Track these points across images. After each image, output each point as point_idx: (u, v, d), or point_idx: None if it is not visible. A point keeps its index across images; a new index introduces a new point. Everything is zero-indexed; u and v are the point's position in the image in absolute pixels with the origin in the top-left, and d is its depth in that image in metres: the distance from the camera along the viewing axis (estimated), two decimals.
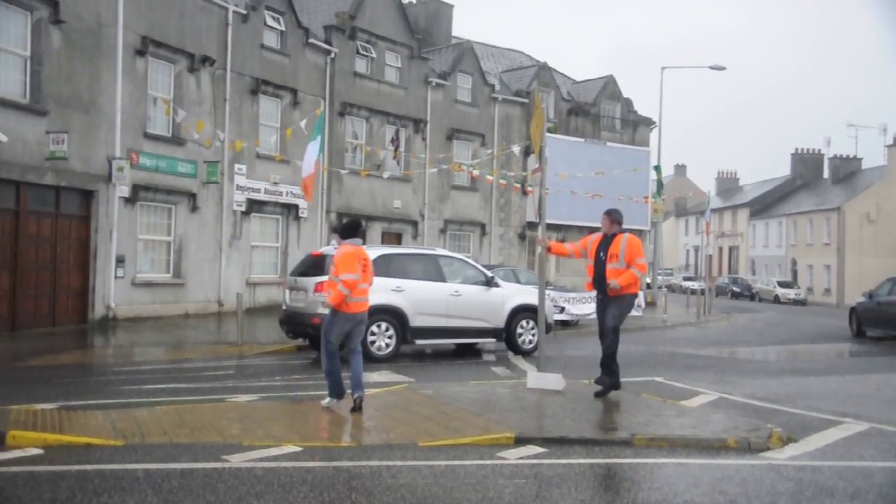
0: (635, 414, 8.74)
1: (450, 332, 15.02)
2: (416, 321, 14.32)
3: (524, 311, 15.30)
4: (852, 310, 23.15)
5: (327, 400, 8.90)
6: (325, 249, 15.62)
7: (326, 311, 12.70)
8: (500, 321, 15.32)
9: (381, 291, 13.51)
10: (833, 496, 5.97)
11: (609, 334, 9.59)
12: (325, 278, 13.41)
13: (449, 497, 5.74)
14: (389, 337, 14.11)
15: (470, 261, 16.78)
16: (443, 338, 15.18)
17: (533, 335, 15.38)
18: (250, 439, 7.36)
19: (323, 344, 8.93)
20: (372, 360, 13.56)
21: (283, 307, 15.07)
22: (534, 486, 6.11)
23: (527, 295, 15.47)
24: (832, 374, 14.11)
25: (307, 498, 5.68)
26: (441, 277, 14.86)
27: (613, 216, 9.97)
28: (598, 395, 9.66)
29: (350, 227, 9.18)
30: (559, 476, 6.43)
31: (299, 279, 14.40)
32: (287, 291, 14.81)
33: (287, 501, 5.60)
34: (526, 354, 15.24)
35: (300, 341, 15.32)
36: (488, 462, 6.78)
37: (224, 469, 6.38)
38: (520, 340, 15.37)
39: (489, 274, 15.77)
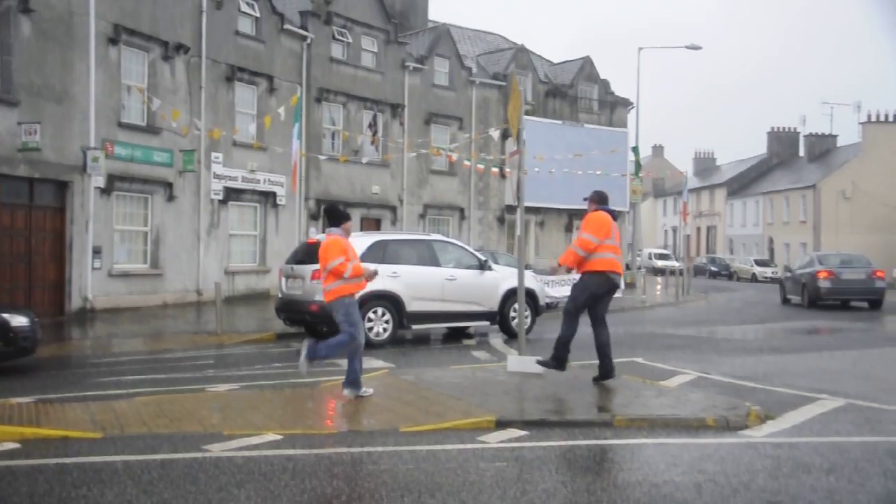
0: (615, 395, 8.79)
1: (445, 317, 15.13)
2: (412, 306, 14.40)
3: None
4: (780, 281, 28.94)
5: (359, 390, 8.75)
6: (320, 237, 15.53)
7: (322, 297, 12.90)
8: (493, 304, 15.42)
9: (378, 277, 13.54)
10: (810, 472, 6.04)
11: (565, 315, 9.56)
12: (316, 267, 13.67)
13: (430, 481, 5.75)
14: (386, 322, 14.22)
15: (463, 245, 16.86)
16: (438, 322, 15.29)
17: (526, 318, 15.26)
18: (231, 428, 7.33)
19: (350, 338, 8.68)
20: (370, 346, 13.42)
21: (279, 295, 15.04)
22: (515, 469, 6.14)
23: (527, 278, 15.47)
24: (809, 351, 14.27)
25: (288, 486, 5.67)
26: (436, 262, 14.95)
27: (592, 197, 9.89)
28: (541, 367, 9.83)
29: (329, 213, 9.00)
30: (540, 458, 6.46)
31: (296, 267, 14.40)
32: (283, 279, 14.82)
33: (268, 490, 5.58)
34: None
35: (289, 329, 15.34)
36: (469, 446, 6.80)
37: (204, 459, 6.36)
38: (513, 323, 15.21)
39: (483, 258, 15.88)
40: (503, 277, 15.54)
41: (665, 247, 72.70)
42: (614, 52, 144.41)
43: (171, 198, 22.17)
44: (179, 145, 22.30)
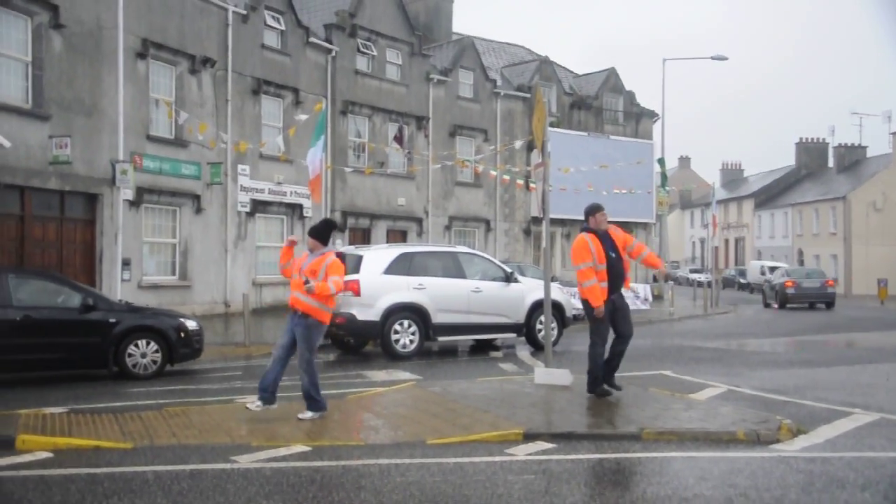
0: (643, 408, 8.73)
1: (471, 329, 15.19)
2: (438, 318, 14.52)
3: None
4: (762, 289, 36.10)
5: (309, 414, 8.39)
6: (346, 249, 15.86)
7: (352, 310, 12.90)
8: (520, 316, 15.42)
9: (404, 289, 14.21)
10: (844, 487, 5.96)
11: (630, 336, 9.17)
12: (348, 278, 13.55)
13: (458, 494, 5.75)
14: (413, 334, 14.37)
15: (489, 257, 16.92)
16: (464, 334, 15.34)
17: (553, 330, 15.39)
18: (259, 440, 7.39)
19: (306, 360, 8.38)
20: (397, 358, 13.95)
21: None
22: (543, 482, 6.11)
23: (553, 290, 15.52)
24: (841, 364, 14.08)
25: (316, 497, 5.69)
26: (462, 274, 15.06)
27: (604, 210, 9.28)
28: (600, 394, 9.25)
29: (327, 229, 8.76)
30: (568, 471, 6.43)
31: None
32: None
33: (296, 501, 5.61)
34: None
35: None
36: (497, 458, 6.78)
37: (233, 470, 6.40)
38: (540, 335, 15.07)
39: (508, 269, 15.93)
40: (529, 289, 15.52)
41: (693, 259, 72.18)
42: (639, 64, 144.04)
43: (198, 210, 22.40)
44: (207, 158, 22.53)
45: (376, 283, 14.17)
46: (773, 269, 44.94)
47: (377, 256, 14.64)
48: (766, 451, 7.16)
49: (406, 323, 14.27)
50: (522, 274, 20.00)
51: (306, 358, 8.40)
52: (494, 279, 15.41)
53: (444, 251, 15.87)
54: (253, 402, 8.44)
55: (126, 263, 19.98)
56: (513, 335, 15.84)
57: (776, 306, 33.03)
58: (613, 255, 9.10)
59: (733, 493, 5.79)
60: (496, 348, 16.02)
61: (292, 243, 8.90)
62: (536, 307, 15.22)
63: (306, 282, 8.21)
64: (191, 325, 12.56)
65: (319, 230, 8.75)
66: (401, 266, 14.29)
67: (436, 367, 13.31)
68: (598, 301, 8.96)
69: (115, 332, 11.73)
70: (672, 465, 6.75)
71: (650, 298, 27.10)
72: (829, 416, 8.72)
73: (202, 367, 13.23)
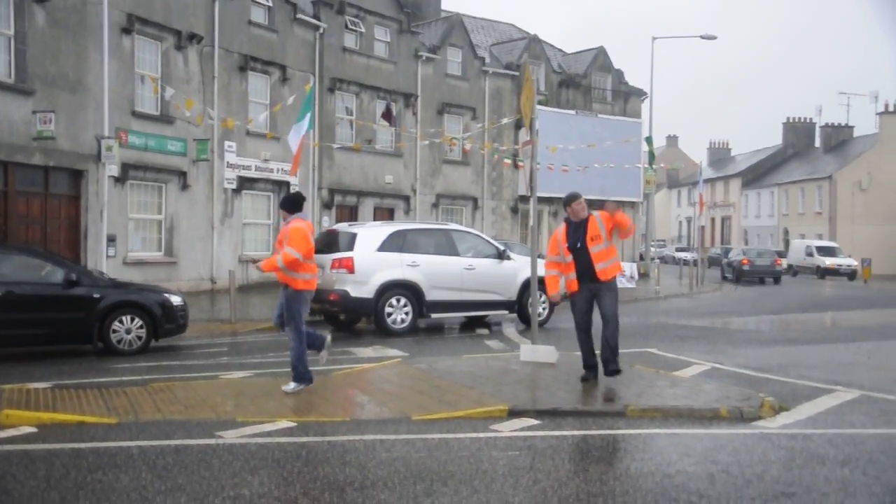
0: (628, 385, 8.77)
1: (464, 306, 15.28)
2: (431, 295, 14.64)
3: None
4: (721, 265, 40.51)
5: (293, 385, 8.46)
6: (339, 226, 15.98)
7: (345, 287, 13.33)
8: (512, 293, 15.53)
9: (397, 266, 14.33)
10: (824, 463, 6.01)
11: (612, 321, 8.76)
12: (342, 255, 14.09)
13: (443, 470, 5.77)
14: (406, 311, 14.48)
15: (482, 235, 16.96)
16: (457, 311, 15.45)
17: (544, 307, 15.66)
18: (244, 415, 7.38)
19: (291, 329, 8.44)
20: (390, 335, 14.10)
21: None
22: (527, 458, 6.14)
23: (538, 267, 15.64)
24: (824, 342, 14.20)
25: (301, 472, 5.70)
26: (455, 251, 15.16)
27: (580, 199, 8.97)
28: (584, 379, 9.00)
29: (295, 202, 8.69)
30: (552, 448, 6.47)
31: (317, 256, 14.50)
32: None
33: (281, 476, 5.62)
34: (538, 326, 15.25)
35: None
36: (482, 435, 6.81)
37: (218, 445, 6.41)
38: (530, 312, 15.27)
39: (501, 247, 16.01)
40: (521, 267, 15.57)
41: (679, 238, 72.41)
42: (627, 42, 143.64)
43: (184, 186, 22.26)
44: (193, 134, 22.35)
45: (370, 260, 14.19)
46: (822, 249, 44.34)
47: (371, 234, 14.64)
48: (748, 427, 7.22)
49: (400, 300, 14.36)
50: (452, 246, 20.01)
51: (290, 327, 8.49)
52: (487, 256, 15.49)
53: (437, 228, 15.96)
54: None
55: (111, 240, 19.85)
56: (505, 312, 15.92)
57: (732, 279, 37.29)
58: (579, 245, 8.80)
59: (715, 469, 5.83)
60: (485, 326, 16.04)
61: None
62: (528, 284, 15.05)
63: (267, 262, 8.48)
64: (175, 300, 12.53)
65: (286, 199, 8.85)
66: (394, 243, 14.40)
67: (423, 345, 13.32)
68: (552, 290, 9.12)
69: (99, 308, 11.67)
70: (656, 441, 6.79)
71: (636, 276, 27.18)
72: (811, 394, 8.80)
73: (187, 344, 13.20)
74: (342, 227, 15.65)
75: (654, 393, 8.40)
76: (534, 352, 10.39)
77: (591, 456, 6.39)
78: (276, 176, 25.33)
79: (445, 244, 15.16)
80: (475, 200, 33.55)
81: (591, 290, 8.86)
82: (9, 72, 17.47)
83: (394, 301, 14.32)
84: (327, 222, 25.70)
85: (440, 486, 5.38)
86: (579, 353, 9.39)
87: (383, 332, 14.31)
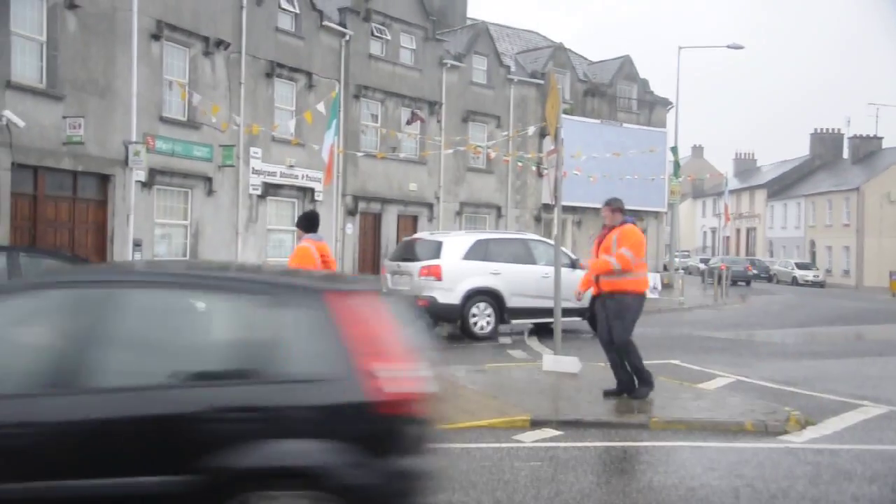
0: (651, 397, 8.71)
1: (540, 312, 15.70)
2: (511, 302, 15.39)
3: None
4: (701, 272, 44.49)
5: None
6: (422, 235, 17.02)
7: (433, 293, 14.05)
8: (584, 301, 15.59)
9: (481, 274, 15.26)
10: (851, 480, 5.94)
11: (619, 342, 8.53)
12: (430, 262, 15.06)
13: (465, 479, 5.76)
14: (489, 317, 15.26)
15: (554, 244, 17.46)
16: (535, 317, 16.08)
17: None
18: None
19: None
20: (475, 339, 15.08)
21: (384, 290, 15.70)
22: (549, 469, 6.13)
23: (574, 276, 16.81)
24: (850, 356, 14.03)
25: None
26: (532, 260, 15.95)
27: (614, 204, 8.88)
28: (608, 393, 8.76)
29: (310, 220, 8.78)
30: (575, 459, 6.44)
31: (402, 264, 15.65)
32: (388, 276, 15.99)
33: None
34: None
35: None
36: (504, 445, 6.81)
37: None
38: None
39: (573, 256, 16.72)
40: None
41: (703, 249, 71.86)
42: (653, 52, 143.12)
43: (210, 192, 22.43)
44: (219, 140, 22.52)
45: (456, 267, 15.00)
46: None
47: (456, 242, 15.59)
48: (773, 441, 7.15)
49: (483, 306, 15.19)
50: (530, 254, 20.57)
51: None
52: (563, 265, 15.71)
53: (517, 238, 16.96)
54: None
55: (137, 244, 20.05)
56: (577, 319, 16.38)
57: (711, 283, 38.70)
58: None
59: (740, 483, 5.78)
60: (500, 335, 16.06)
61: None
62: None
63: None
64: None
65: (301, 219, 9.12)
66: (478, 252, 15.31)
67: (445, 353, 13.30)
68: (582, 288, 9.44)
69: None
70: (679, 454, 6.75)
71: (659, 287, 27.02)
72: (838, 409, 8.70)
73: None
74: (425, 235, 16.73)
75: (677, 405, 8.35)
76: (557, 362, 10.37)
77: (613, 468, 6.36)
78: (301, 182, 25.47)
79: (523, 253, 15.99)
80: (499, 209, 33.52)
81: (602, 301, 8.80)
82: (40, 77, 17.72)
83: (478, 307, 15.17)
84: (350, 229, 25.80)
85: (461, 496, 5.38)
86: (603, 364, 9.36)
87: (469, 336, 15.16)
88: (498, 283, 15.22)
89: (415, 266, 15.01)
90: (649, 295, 24.00)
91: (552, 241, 17.42)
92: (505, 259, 15.59)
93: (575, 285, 14.98)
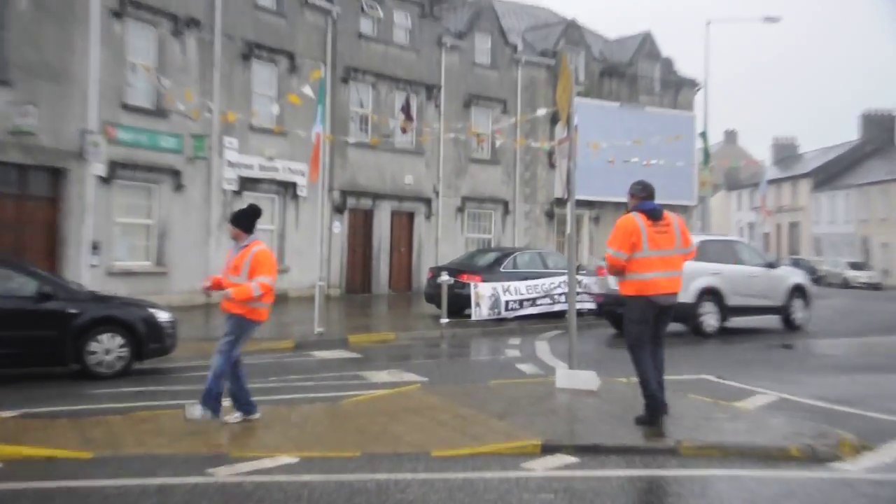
0: (681, 418, 8.59)
1: (749, 311, 18.72)
2: (730, 301, 17.92)
3: (798, 290, 19.56)
4: None
5: (238, 415, 8.46)
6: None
7: (616, 289, 14.57)
8: (781, 299, 19.12)
9: (706, 274, 17.59)
10: None
11: (629, 350, 8.50)
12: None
13: None
14: (714, 317, 17.74)
15: (753, 246, 20.89)
16: (746, 315, 18.86)
17: (803, 313, 19.54)
18: (239, 449, 7.34)
19: (226, 361, 8.34)
20: (704, 337, 17.41)
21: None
22: (564, 502, 6.04)
23: (799, 276, 20.26)
24: None
25: None
26: (741, 260, 18.64)
27: (631, 189, 8.75)
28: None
29: (252, 216, 8.63)
30: (593, 490, 6.35)
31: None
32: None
33: None
34: (796, 329, 19.12)
35: (309, 336, 15.96)
36: (512, 474, 6.72)
37: (209, 484, 6.35)
38: (797, 316, 19.38)
39: (770, 258, 19.56)
40: (787, 275, 19.68)
41: None
42: (677, 28, 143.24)
43: (178, 187, 22.35)
44: (189, 130, 22.45)
45: (690, 268, 16.81)
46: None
47: None
48: (824, 470, 7.03)
49: (709, 305, 17.64)
50: (543, 262, 21.57)
51: (224, 348, 8.31)
52: (761, 266, 19.04)
53: (728, 240, 20.39)
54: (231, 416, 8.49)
55: (95, 247, 19.94)
56: (776, 317, 19.33)
57: None
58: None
59: None
60: (507, 348, 15.99)
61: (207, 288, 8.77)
62: (794, 291, 19.34)
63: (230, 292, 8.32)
64: (162, 316, 12.51)
65: (241, 217, 8.68)
66: (700, 253, 16.92)
67: (444, 368, 13.26)
68: None
69: (75, 325, 11.62)
70: (714, 485, 6.64)
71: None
72: None
73: (177, 366, 13.16)
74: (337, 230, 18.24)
75: (711, 427, 8.25)
76: (572, 377, 10.23)
77: (637, 501, 6.27)
78: (282, 176, 25.38)
79: (732, 254, 18.56)
80: (506, 204, 33.45)
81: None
82: None
83: (705, 307, 17.55)
84: (338, 228, 25.67)
85: None
86: (625, 379, 9.19)
87: (700, 335, 17.47)
88: (719, 283, 17.68)
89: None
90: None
91: (750, 244, 20.01)
92: (719, 260, 17.98)
93: (774, 284, 18.94)
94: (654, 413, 8.32)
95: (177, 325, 12.83)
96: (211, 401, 8.31)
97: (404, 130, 28.88)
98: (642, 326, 8.47)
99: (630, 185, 8.85)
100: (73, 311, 11.70)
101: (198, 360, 13.82)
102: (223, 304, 8.43)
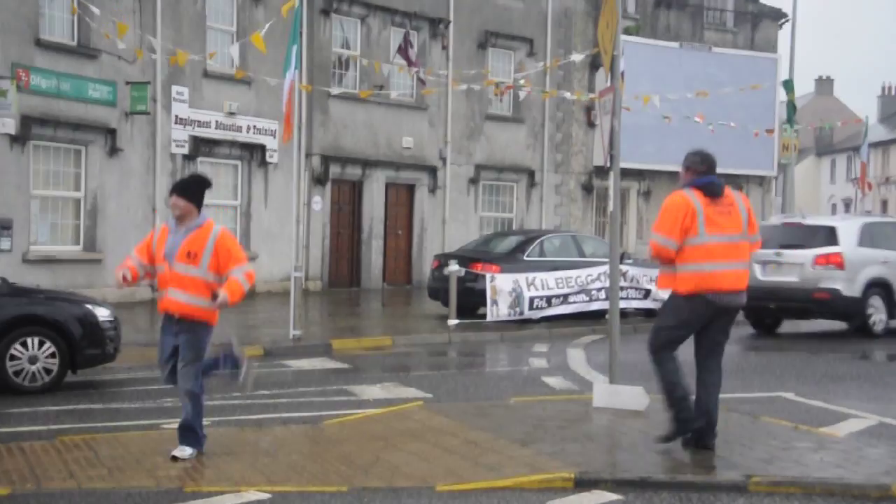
0: (751, 446, 8.71)
1: None
2: None
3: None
4: None
5: (189, 451, 8.25)
6: (795, 217, 21.29)
7: (836, 285, 17.98)
8: None
9: (873, 264, 18.85)
10: None
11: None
12: (827, 250, 18.58)
13: None
14: (882, 312, 18.83)
15: None
16: None
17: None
18: (196, 483, 7.45)
19: (197, 373, 8.31)
20: (872, 337, 18.62)
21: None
22: None
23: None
24: None
25: None
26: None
27: (686, 161, 8.81)
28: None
29: (204, 187, 8.65)
30: None
31: (785, 252, 18.79)
32: (760, 266, 18.55)
33: None
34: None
35: (283, 342, 16.17)
36: None
37: None
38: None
39: None
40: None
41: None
42: None
43: (113, 151, 22.40)
44: (126, 75, 22.50)
45: (855, 256, 18.69)
46: None
47: (848, 226, 19.46)
48: None
49: (876, 300, 18.72)
50: (578, 248, 21.20)
51: (191, 370, 8.20)
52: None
53: (890, 222, 21.43)
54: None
55: (6, 227, 20.04)
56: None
57: None
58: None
59: None
60: (531, 357, 16.06)
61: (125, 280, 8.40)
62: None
63: (214, 296, 8.07)
64: (102, 314, 12.54)
65: (194, 186, 8.57)
66: (865, 238, 18.91)
67: (452, 381, 13.34)
68: None
69: None
70: None
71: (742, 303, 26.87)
72: None
73: (116, 378, 13.30)
74: (793, 218, 20.99)
75: (790, 458, 8.33)
76: (613, 394, 10.33)
77: None
78: (246, 136, 25.42)
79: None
80: (531, 174, 33.38)
81: None
82: None
83: (873, 302, 18.70)
84: (319, 204, 25.77)
85: None
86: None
87: (868, 335, 18.58)
88: (888, 274, 18.84)
89: (806, 254, 18.60)
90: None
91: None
92: (887, 246, 19.15)
93: None
94: (684, 425, 8.46)
95: (119, 326, 12.88)
96: (192, 435, 8.30)
97: (408, 61, 28.70)
98: (681, 333, 8.61)
99: (685, 156, 8.87)
100: None
101: (143, 370, 13.97)
102: (176, 306, 8.17)
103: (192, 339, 8.19)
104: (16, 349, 11.82)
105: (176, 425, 8.65)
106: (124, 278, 8.29)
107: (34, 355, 11.87)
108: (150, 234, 8.63)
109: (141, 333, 17.47)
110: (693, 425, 8.50)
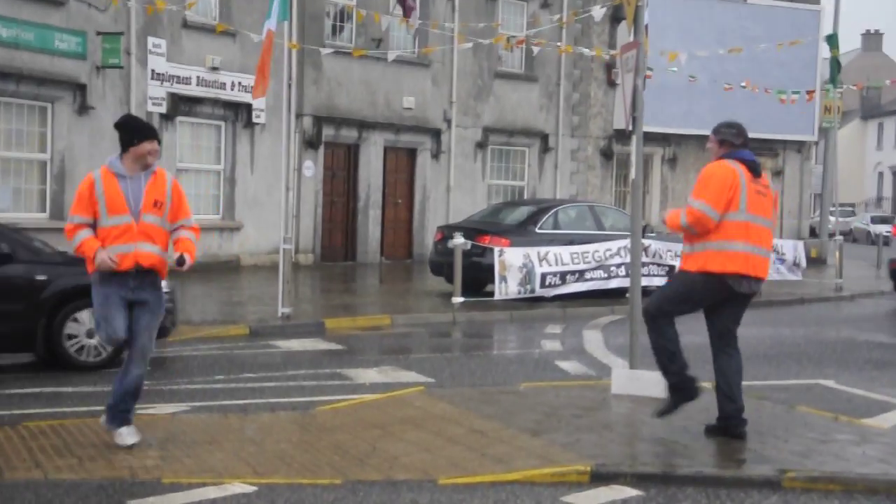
0: (786, 438, 8.73)
1: None
2: None
3: None
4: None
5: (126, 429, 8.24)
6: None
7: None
8: None
9: None
10: None
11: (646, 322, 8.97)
12: None
13: None
14: None
15: None
16: None
17: None
18: (174, 473, 7.46)
19: (150, 346, 8.43)
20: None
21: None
22: None
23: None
24: None
25: None
26: None
27: (721, 133, 8.86)
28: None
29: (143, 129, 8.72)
30: None
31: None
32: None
33: None
34: None
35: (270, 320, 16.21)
36: None
37: None
38: None
39: None
40: None
41: (878, 201, 71.37)
42: None
43: (83, 108, 22.39)
44: (97, 25, 22.46)
45: None
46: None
47: None
48: None
49: None
50: (597, 221, 21.16)
51: (155, 331, 8.47)
52: None
53: None
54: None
55: None
56: None
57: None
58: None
59: None
60: (546, 338, 16.09)
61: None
62: None
63: (180, 260, 8.36)
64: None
65: (150, 125, 9.10)
66: None
67: (457, 365, 13.39)
68: None
69: (44, 297, 11.86)
70: None
71: (803, 264, 26.89)
72: None
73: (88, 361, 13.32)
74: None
75: (829, 452, 8.35)
76: (633, 380, 10.36)
77: None
78: (230, 95, 25.41)
79: None
80: (545, 138, 33.37)
81: None
82: None
83: None
84: (310, 170, 25.72)
85: None
86: (708, 383, 9.31)
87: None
88: None
89: None
90: (786, 275, 25.45)
91: None
92: None
93: None
94: (683, 394, 8.63)
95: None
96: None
97: (408, 23, 28.66)
98: (684, 307, 8.73)
99: (717, 128, 8.89)
100: (41, 277, 11.91)
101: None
102: (150, 259, 8.24)
103: (159, 294, 8.50)
104: (73, 323, 12.00)
105: (154, 411, 8.68)
106: (112, 260, 8.18)
107: (91, 329, 11.66)
108: (88, 188, 8.54)
109: None
110: (694, 395, 8.70)
